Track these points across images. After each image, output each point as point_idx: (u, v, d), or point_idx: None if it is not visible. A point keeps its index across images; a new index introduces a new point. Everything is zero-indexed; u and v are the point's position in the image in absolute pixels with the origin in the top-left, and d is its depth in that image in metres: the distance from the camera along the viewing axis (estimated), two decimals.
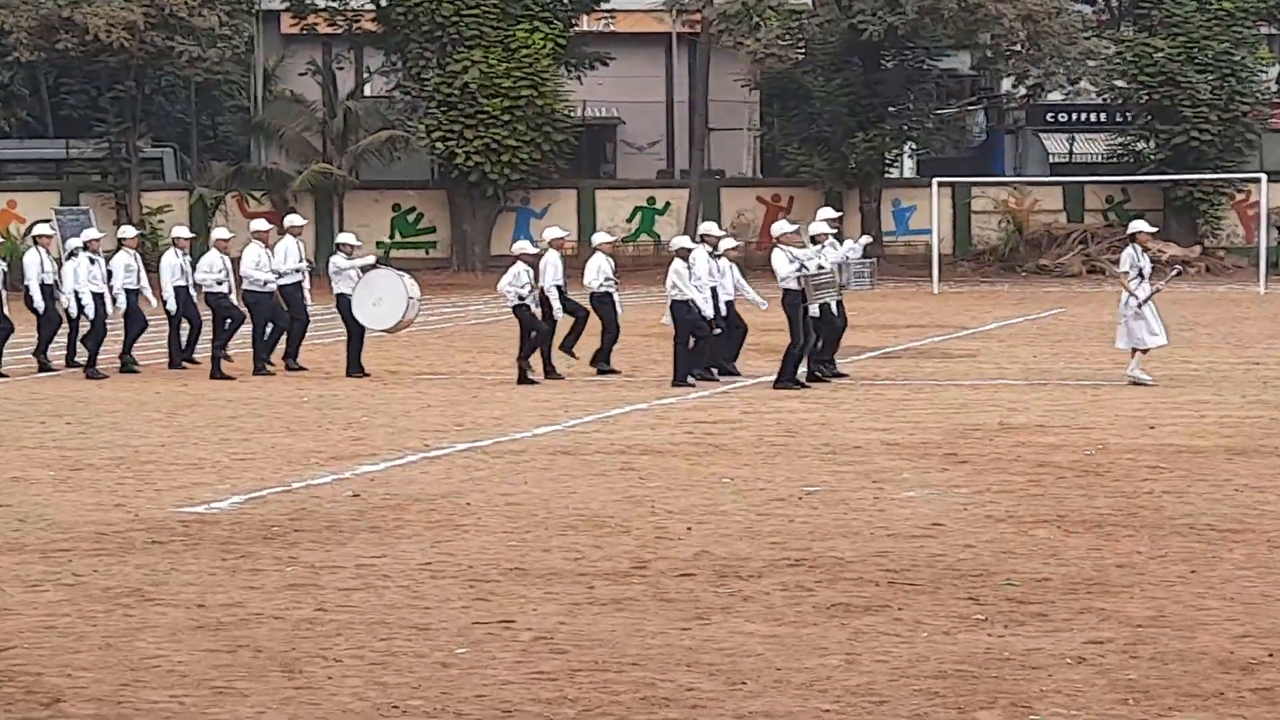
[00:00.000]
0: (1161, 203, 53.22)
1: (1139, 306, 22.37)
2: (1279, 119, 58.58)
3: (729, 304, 23.99)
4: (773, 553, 12.36)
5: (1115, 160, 56.63)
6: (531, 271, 24.05)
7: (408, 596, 11.11)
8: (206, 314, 26.01)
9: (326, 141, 53.24)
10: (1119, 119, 56.67)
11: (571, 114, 54.44)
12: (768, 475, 15.85)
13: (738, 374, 24.06)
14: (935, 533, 13.04)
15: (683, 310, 23.07)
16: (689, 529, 13.28)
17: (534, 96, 51.19)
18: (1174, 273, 23.24)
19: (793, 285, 22.61)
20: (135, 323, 26.21)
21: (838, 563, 12.01)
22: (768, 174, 59.38)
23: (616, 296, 25.03)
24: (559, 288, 24.45)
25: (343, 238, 26.87)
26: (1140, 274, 22.60)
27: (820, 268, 22.94)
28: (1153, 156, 52.89)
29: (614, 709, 8.63)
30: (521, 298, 23.80)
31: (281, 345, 25.85)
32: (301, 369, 25.73)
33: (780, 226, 23.68)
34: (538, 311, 23.90)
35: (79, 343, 26.05)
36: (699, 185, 54.97)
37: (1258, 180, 50.53)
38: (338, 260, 25.88)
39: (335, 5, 53.63)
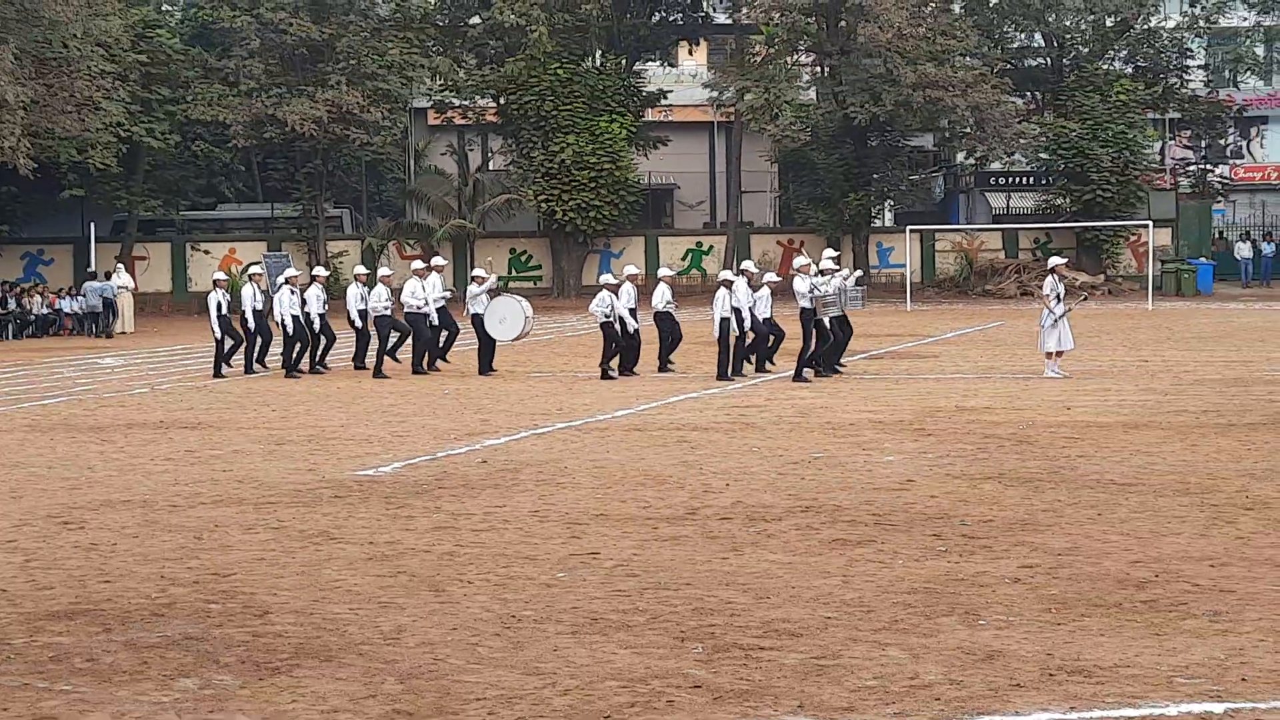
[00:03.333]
0: (1075, 243, 52.74)
1: (1055, 321, 22.35)
2: (1162, 181, 58.05)
3: (767, 320, 23.74)
4: (789, 502, 12.30)
5: (1041, 212, 56.14)
6: (614, 297, 23.96)
7: (521, 535, 11.10)
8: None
9: (461, 203, 53.27)
10: (1043, 181, 56.23)
11: (640, 181, 54.42)
12: (785, 445, 15.77)
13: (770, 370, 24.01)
14: (909, 487, 12.95)
15: (726, 325, 22.93)
16: (727, 485, 13.23)
17: (613, 169, 51.13)
18: (1082, 297, 23.07)
19: (807, 304, 22.52)
20: (326, 338, 26.29)
21: (837, 509, 11.94)
22: (784, 224, 59.13)
23: (675, 314, 24.89)
24: (631, 310, 24.35)
25: (476, 272, 26.80)
26: (1058, 296, 22.51)
27: (826, 292, 22.88)
28: (1068, 209, 52.44)
29: (673, 617, 8.60)
30: (606, 316, 23.72)
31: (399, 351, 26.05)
32: (448, 363, 25.84)
33: (798, 261, 23.43)
34: (621, 327, 23.93)
35: (288, 353, 25.91)
36: (734, 233, 54.83)
37: (1146, 226, 50.11)
38: (472, 288, 25.79)
39: (467, 104, 53.74)
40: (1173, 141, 62.84)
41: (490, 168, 58.70)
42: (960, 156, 58.09)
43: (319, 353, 26.29)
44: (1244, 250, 55.81)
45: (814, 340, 22.64)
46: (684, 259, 54.65)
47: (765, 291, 23.95)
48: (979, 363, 25.91)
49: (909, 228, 50.74)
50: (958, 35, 48.99)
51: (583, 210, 51.05)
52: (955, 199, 63.32)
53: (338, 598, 9.21)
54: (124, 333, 40.62)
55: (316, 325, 25.93)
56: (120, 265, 45.02)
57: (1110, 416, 17.74)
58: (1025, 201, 59.89)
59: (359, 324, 25.96)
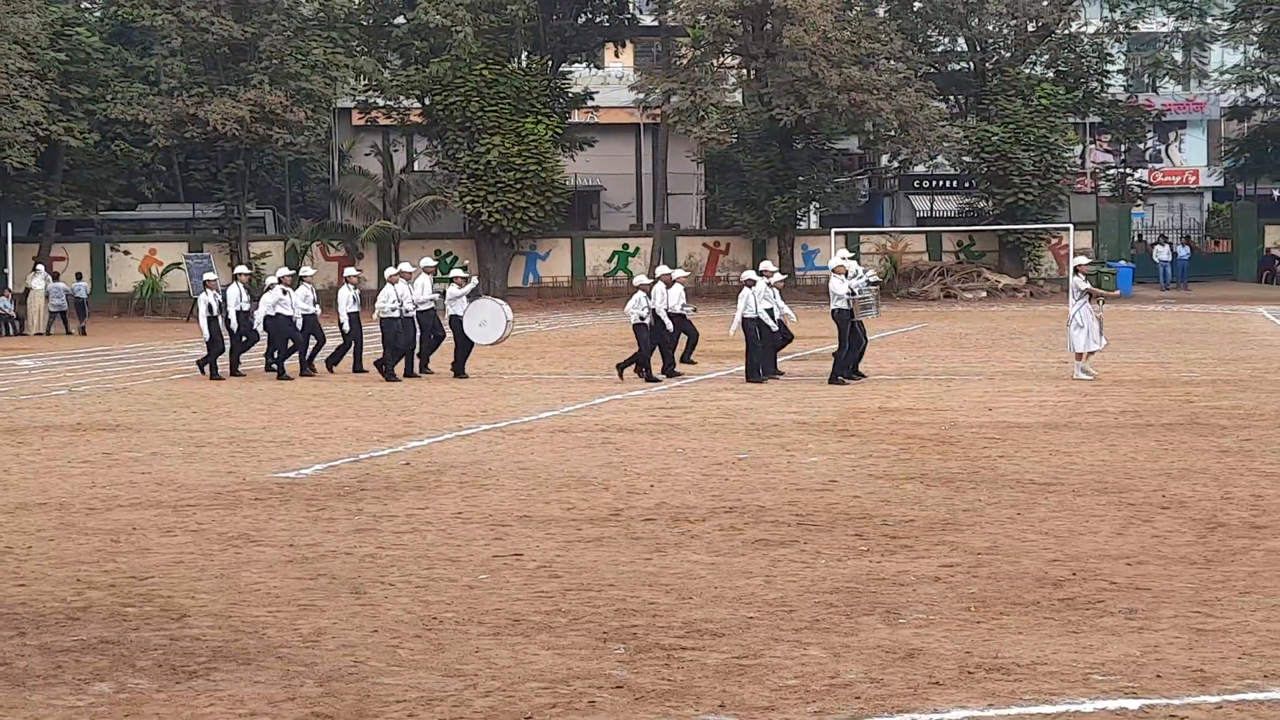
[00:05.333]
0: (998, 246, 53.25)
1: (1082, 320, 22.07)
2: (1082, 184, 58.76)
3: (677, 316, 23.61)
4: (713, 503, 12.34)
5: (964, 215, 56.67)
6: (647, 297, 23.41)
7: (444, 537, 11.06)
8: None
9: (386, 204, 53.00)
10: (966, 185, 56.72)
11: (566, 183, 54.39)
12: (710, 446, 15.81)
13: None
14: (831, 487, 13.02)
15: (751, 325, 22.80)
16: (651, 486, 13.25)
17: (538, 170, 51.03)
18: (1101, 303, 22.55)
19: (844, 305, 22.44)
20: (316, 339, 25.55)
21: (760, 509, 11.99)
22: (710, 226, 59.25)
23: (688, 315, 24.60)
24: (668, 310, 23.71)
25: (455, 273, 25.90)
26: (1088, 295, 22.23)
27: (864, 293, 22.84)
28: (991, 212, 52.91)
29: (595, 618, 8.61)
30: (641, 318, 23.22)
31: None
32: (431, 373, 24.81)
33: (835, 260, 23.03)
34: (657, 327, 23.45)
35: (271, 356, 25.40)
36: (660, 235, 54.89)
37: (1067, 229, 50.54)
38: (451, 290, 25.05)
39: (392, 104, 53.50)
40: (1093, 145, 63.62)
41: (415, 169, 58.43)
42: (885, 159, 58.55)
43: (309, 353, 25.43)
44: (1162, 254, 56.58)
45: (848, 343, 22.44)
46: (610, 261, 54.69)
47: (678, 289, 23.89)
48: (902, 364, 26.07)
49: (834, 230, 50.94)
50: (882, 39, 49.32)
51: (508, 211, 50.92)
52: (880, 201, 63.72)
53: (257, 600, 9.13)
54: (40, 334, 40.04)
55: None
56: (39, 266, 44.38)
57: (1031, 417, 17.91)
58: (949, 204, 60.43)
59: (347, 327, 25.25)
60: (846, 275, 22.70)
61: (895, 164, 57.52)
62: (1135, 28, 57.37)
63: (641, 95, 52.74)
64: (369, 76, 50.95)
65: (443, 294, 25.75)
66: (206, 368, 25.15)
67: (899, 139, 50.16)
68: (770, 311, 23.06)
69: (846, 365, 22.62)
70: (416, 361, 24.83)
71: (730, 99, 52.07)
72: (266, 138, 47.59)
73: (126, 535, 11.27)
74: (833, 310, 22.69)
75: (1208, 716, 6.76)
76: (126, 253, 51.75)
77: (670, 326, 23.88)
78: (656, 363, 23.59)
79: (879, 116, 48.21)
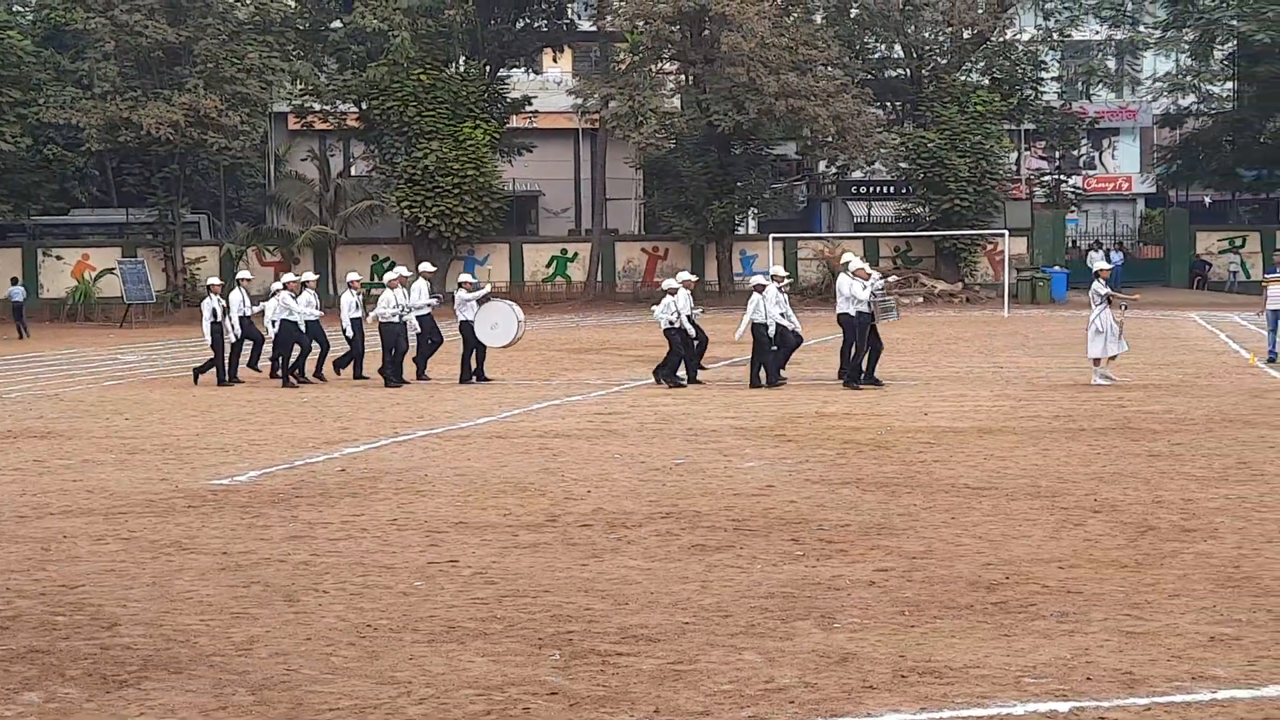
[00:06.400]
0: (934, 252, 53.63)
1: (1100, 326, 21.96)
2: (1017, 190, 59.30)
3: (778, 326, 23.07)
4: (650, 508, 12.34)
5: (901, 220, 57.04)
6: (677, 302, 23.22)
7: (379, 544, 11.01)
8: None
9: (322, 209, 52.77)
10: (903, 191, 57.10)
11: (504, 188, 54.37)
12: (647, 452, 15.81)
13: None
14: (768, 492, 13.06)
15: (761, 330, 22.71)
16: (589, 491, 13.24)
17: (476, 175, 50.97)
18: (1123, 307, 22.45)
19: (864, 308, 22.42)
20: (321, 345, 25.20)
21: (697, 514, 12.00)
22: (649, 231, 59.39)
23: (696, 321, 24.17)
24: (689, 316, 23.50)
25: (463, 278, 25.25)
26: (1107, 300, 22.09)
27: (885, 298, 22.77)
28: (927, 218, 53.29)
29: (531, 624, 8.59)
30: (671, 323, 23.03)
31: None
32: (428, 379, 24.64)
33: (856, 263, 22.84)
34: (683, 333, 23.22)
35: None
36: (599, 240, 54.97)
37: (1002, 235, 51.10)
38: (460, 294, 24.66)
39: (328, 109, 53.28)
40: (1028, 152, 64.23)
41: (352, 174, 58.23)
42: (822, 165, 58.84)
43: (319, 360, 25.16)
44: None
45: (865, 345, 22.40)
46: (549, 266, 54.68)
47: (685, 294, 23.47)
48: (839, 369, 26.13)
49: (772, 235, 51.19)
50: (819, 45, 49.57)
51: (446, 217, 50.82)
52: (818, 207, 64.07)
53: (189, 609, 9.06)
54: None
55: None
56: None
57: (966, 422, 18.04)
58: (886, 210, 60.84)
59: (350, 332, 24.83)
60: (867, 279, 22.59)
61: (833, 170, 57.95)
62: (1069, 36, 58.05)
63: (580, 100, 52.78)
64: (305, 81, 50.74)
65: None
66: (212, 372, 24.72)
67: (836, 145, 50.45)
68: (783, 315, 22.95)
69: (858, 368, 22.47)
70: (414, 366, 24.69)
71: (668, 104, 52.20)
72: (201, 142, 47.29)
73: (57, 543, 11.15)
74: (841, 314, 22.58)
75: (1136, 718, 6.83)
76: (59, 258, 51.28)
77: (692, 331, 23.66)
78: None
79: (816, 123, 48.45)
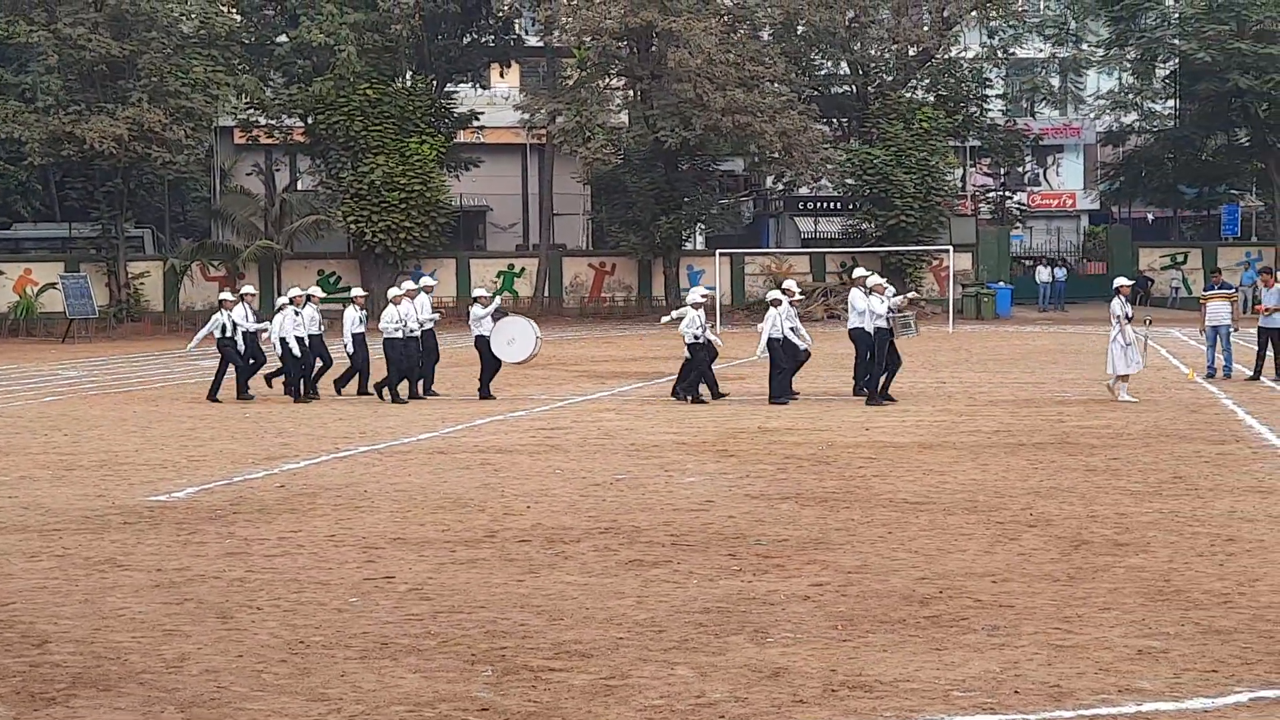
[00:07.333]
0: (880, 267, 53.72)
1: (1126, 343, 21.85)
2: (963, 207, 59.79)
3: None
4: (589, 523, 12.35)
5: (847, 236, 57.37)
6: (704, 315, 23.14)
7: (316, 560, 10.96)
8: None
9: (268, 224, 52.57)
10: (850, 207, 57.43)
11: (451, 203, 54.33)
12: (588, 467, 15.82)
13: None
14: (707, 507, 13.09)
15: (776, 346, 22.65)
16: (528, 507, 13.23)
17: (423, 190, 50.93)
18: (1147, 321, 22.24)
19: (883, 324, 22.41)
20: (323, 361, 24.81)
21: (636, 530, 12.02)
22: (597, 247, 59.48)
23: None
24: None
25: (477, 292, 25.05)
26: (1126, 317, 21.96)
27: (906, 313, 22.77)
28: (873, 233, 53.61)
29: (465, 640, 8.58)
30: (697, 337, 22.91)
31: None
32: (435, 394, 24.46)
33: (874, 279, 22.83)
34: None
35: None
36: (546, 255, 54.98)
37: (947, 251, 51.50)
38: (475, 310, 24.44)
39: (274, 123, 53.09)
40: (973, 169, 64.74)
41: (298, 188, 58.04)
42: (769, 181, 59.13)
43: (314, 375, 24.67)
44: (1043, 275, 57.65)
45: (884, 362, 22.42)
46: (496, 280, 54.65)
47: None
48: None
49: (719, 251, 51.42)
50: (766, 62, 49.84)
51: (393, 231, 50.73)
52: (765, 223, 64.35)
53: (120, 626, 8.99)
54: None
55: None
56: None
57: (907, 437, 18.15)
58: (832, 226, 61.16)
59: (351, 348, 24.46)
60: (885, 294, 22.61)
61: (780, 186, 58.23)
62: (1013, 54, 58.57)
63: (527, 116, 52.85)
64: (251, 95, 50.53)
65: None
66: (221, 386, 24.41)
67: (783, 161, 50.74)
68: (793, 330, 22.96)
69: (877, 384, 22.46)
70: (420, 383, 24.40)
71: (616, 120, 52.40)
72: (145, 156, 47.02)
73: None
74: (854, 329, 22.61)
75: None
76: (1, 272, 50.77)
77: (719, 343, 23.47)
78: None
79: (763, 139, 48.71)
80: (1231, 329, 26.01)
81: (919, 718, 7.05)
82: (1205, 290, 27.74)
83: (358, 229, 50.86)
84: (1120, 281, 22.95)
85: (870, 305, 22.44)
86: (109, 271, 50.50)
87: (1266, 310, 25.32)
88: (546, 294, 54.35)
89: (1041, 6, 59.29)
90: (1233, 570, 10.20)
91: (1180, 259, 58.05)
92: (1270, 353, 25.29)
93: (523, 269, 55.12)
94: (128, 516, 12.99)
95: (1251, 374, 25.28)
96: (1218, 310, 25.87)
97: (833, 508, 12.96)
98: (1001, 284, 54.11)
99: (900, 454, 16.55)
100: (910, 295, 23.93)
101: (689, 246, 56.54)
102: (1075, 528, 11.84)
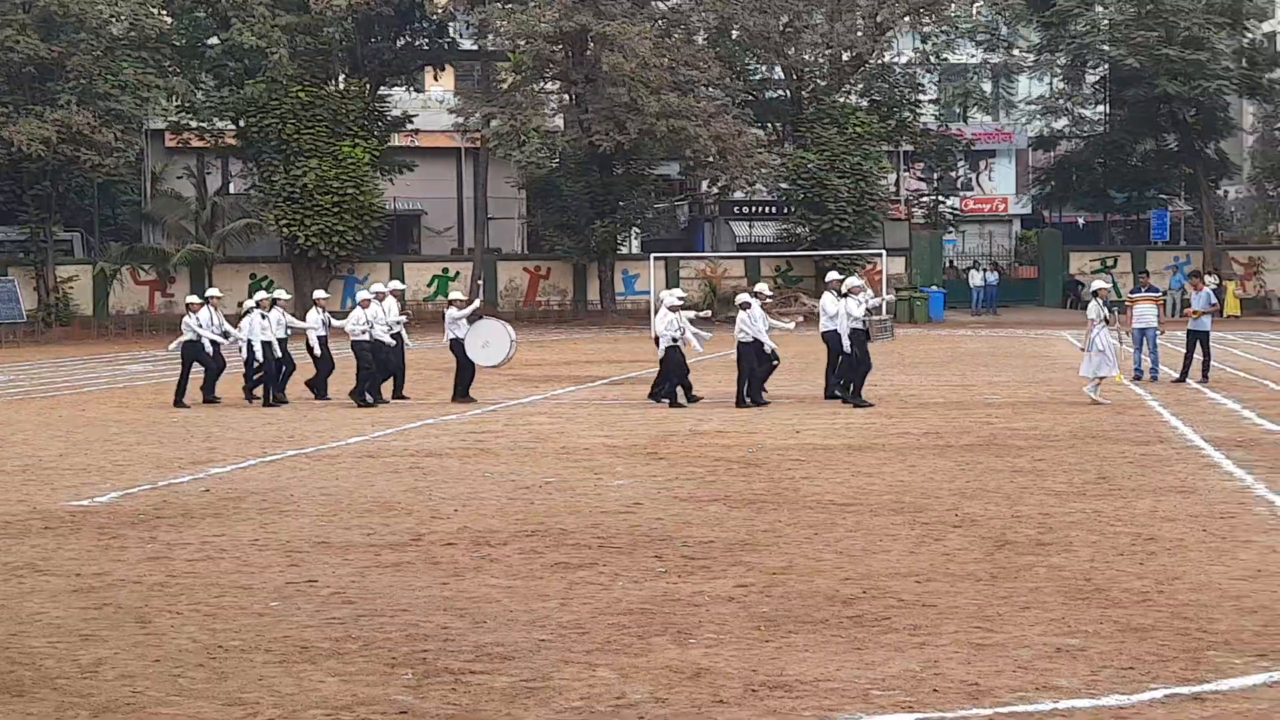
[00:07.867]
0: (814, 271, 54.04)
1: (1103, 347, 21.94)
2: (896, 211, 60.14)
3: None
4: (516, 526, 12.31)
5: (782, 240, 57.60)
6: (682, 317, 22.99)
7: (238, 565, 10.87)
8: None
9: (199, 227, 52.13)
10: (784, 211, 57.65)
11: (385, 206, 54.07)
12: (518, 470, 15.77)
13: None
14: (635, 509, 13.09)
15: (747, 348, 22.57)
16: (456, 510, 13.18)
17: (356, 194, 50.68)
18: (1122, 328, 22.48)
19: (859, 326, 22.38)
20: (287, 366, 24.52)
21: (563, 532, 12.00)
22: (532, 250, 59.43)
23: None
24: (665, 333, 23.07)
25: (453, 294, 24.80)
26: (1104, 320, 22.05)
27: (884, 315, 22.67)
28: (808, 238, 53.84)
29: (386, 643, 8.53)
30: (674, 340, 22.72)
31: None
32: (405, 399, 24.25)
33: (851, 281, 22.87)
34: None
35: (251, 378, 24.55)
36: (481, 259, 54.80)
37: (880, 255, 51.77)
38: (451, 312, 24.35)
39: (205, 126, 52.68)
40: (906, 173, 65.16)
41: (230, 192, 57.61)
42: (704, 185, 59.24)
43: (281, 380, 24.44)
44: (977, 279, 58.08)
45: (868, 362, 22.41)
46: (430, 285, 54.47)
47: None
48: (715, 388, 26.26)
49: (654, 255, 51.45)
50: (700, 66, 49.96)
51: (326, 235, 50.45)
52: (700, 227, 64.49)
53: (37, 631, 8.88)
54: None
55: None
56: None
57: (836, 439, 18.22)
58: (767, 230, 61.40)
59: (318, 351, 24.23)
60: (861, 297, 22.67)
61: (715, 190, 58.25)
62: (945, 59, 59.04)
63: (461, 119, 52.73)
64: (182, 97, 50.13)
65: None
66: (236, 388, 24.26)
67: (718, 165, 50.84)
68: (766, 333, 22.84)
69: (861, 385, 22.50)
70: (389, 386, 24.26)
71: (551, 124, 52.33)
72: (74, 159, 46.49)
73: None
74: (826, 331, 22.62)
75: None
76: None
77: (700, 348, 23.54)
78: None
79: (697, 143, 48.83)
80: (1158, 332, 26.29)
81: (838, 717, 7.07)
82: (1130, 293, 28.03)
83: (290, 233, 50.55)
84: (1098, 284, 23.03)
85: (846, 308, 22.53)
86: (37, 275, 49.93)
87: (1195, 313, 25.64)
88: (481, 298, 54.17)
89: (974, 12, 59.73)
90: (1152, 569, 10.30)
91: (1110, 263, 58.64)
92: (1198, 355, 25.58)
93: (457, 273, 54.96)
94: (49, 521, 12.83)
95: (1178, 376, 25.57)
96: (1144, 313, 26.15)
97: (760, 509, 13.00)
98: (934, 288, 54.46)
99: (829, 456, 16.61)
100: (889, 298, 24.01)
101: (624, 250, 56.59)
102: (999, 528, 11.93)
